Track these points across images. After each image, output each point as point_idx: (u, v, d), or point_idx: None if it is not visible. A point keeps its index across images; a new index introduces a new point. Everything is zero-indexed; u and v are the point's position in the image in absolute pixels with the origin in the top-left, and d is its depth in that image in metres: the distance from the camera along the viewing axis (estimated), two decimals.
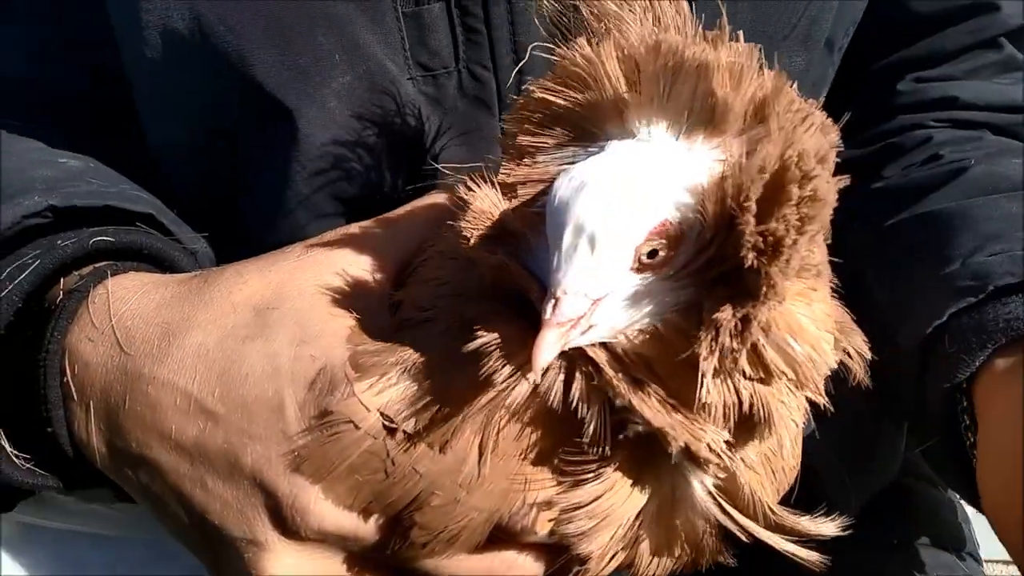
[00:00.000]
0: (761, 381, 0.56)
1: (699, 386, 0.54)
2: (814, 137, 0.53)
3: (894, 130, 0.91)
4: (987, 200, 0.80)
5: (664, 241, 0.54)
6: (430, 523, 0.59)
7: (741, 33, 0.58)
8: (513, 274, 0.57)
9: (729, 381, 0.55)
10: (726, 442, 0.57)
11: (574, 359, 0.57)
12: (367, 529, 0.60)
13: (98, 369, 0.62)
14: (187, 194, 0.78)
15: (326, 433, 0.59)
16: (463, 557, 0.61)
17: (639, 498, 0.60)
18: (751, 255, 0.51)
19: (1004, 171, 0.83)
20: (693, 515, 0.62)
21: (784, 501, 0.64)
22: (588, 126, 0.58)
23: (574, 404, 0.56)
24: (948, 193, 0.83)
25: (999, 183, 0.81)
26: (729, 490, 0.62)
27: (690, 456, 0.57)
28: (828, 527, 0.63)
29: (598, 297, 0.54)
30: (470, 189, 0.58)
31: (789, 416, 0.58)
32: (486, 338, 0.56)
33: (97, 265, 0.66)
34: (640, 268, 0.55)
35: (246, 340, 0.61)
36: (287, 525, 0.60)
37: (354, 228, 0.67)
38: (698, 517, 0.62)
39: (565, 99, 0.57)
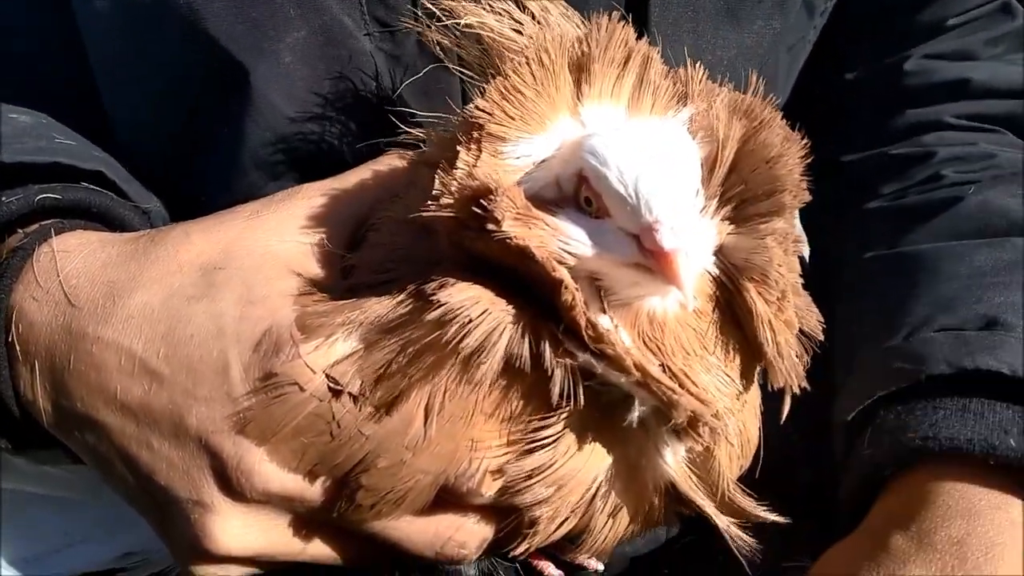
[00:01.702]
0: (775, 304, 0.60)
1: (752, 303, 0.59)
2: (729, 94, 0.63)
3: (901, 131, 0.87)
4: (964, 248, 0.76)
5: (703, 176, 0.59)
6: (376, 485, 0.59)
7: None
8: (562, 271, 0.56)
9: (763, 294, 0.59)
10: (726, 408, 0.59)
11: (538, 324, 0.56)
12: (313, 491, 0.60)
13: (42, 328, 0.62)
14: (146, 159, 0.76)
15: (271, 395, 0.58)
16: (409, 519, 0.61)
17: (598, 464, 0.60)
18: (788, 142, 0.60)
19: (1002, 204, 0.79)
20: (654, 483, 0.62)
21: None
22: (541, 119, 0.59)
23: (546, 364, 0.56)
24: (934, 228, 0.79)
25: (990, 221, 0.78)
26: (699, 462, 0.62)
27: (690, 423, 0.57)
28: (773, 516, 0.64)
29: (690, 229, 0.57)
30: (474, 160, 0.57)
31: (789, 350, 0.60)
32: (452, 303, 0.56)
33: (43, 223, 0.65)
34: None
35: (191, 300, 0.61)
36: (232, 487, 0.59)
37: (307, 189, 0.66)
38: (657, 485, 0.62)
39: (528, 90, 0.58)
